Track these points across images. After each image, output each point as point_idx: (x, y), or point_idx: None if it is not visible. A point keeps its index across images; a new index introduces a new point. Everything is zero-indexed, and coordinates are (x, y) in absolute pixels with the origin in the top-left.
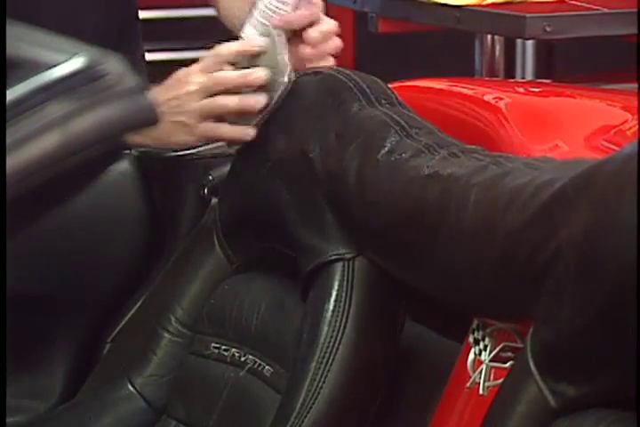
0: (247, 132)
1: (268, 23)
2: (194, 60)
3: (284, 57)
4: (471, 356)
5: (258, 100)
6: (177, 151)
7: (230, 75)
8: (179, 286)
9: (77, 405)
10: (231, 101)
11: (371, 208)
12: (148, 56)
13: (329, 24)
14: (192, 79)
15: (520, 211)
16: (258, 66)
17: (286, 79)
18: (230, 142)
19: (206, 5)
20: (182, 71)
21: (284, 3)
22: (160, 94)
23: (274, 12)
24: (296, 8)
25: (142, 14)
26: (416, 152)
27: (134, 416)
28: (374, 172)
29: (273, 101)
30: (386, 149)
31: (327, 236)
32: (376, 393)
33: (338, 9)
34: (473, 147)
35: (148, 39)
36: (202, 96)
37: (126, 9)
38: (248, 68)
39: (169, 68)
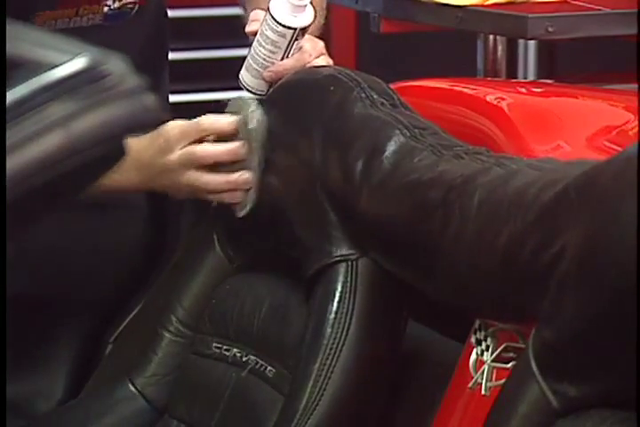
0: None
1: (260, 70)
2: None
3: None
4: (473, 356)
5: (243, 179)
6: None
7: (213, 150)
8: (179, 286)
9: (79, 405)
10: (213, 185)
11: (375, 209)
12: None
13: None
14: (173, 146)
15: (523, 212)
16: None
17: (260, 156)
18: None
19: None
20: (161, 134)
21: (273, 52)
22: (140, 156)
23: (264, 60)
24: (286, 56)
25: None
26: (421, 153)
27: (135, 416)
28: (378, 173)
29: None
30: (390, 149)
31: (330, 237)
32: (379, 394)
33: (340, 9)
34: (477, 148)
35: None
36: (183, 169)
37: (158, 51)
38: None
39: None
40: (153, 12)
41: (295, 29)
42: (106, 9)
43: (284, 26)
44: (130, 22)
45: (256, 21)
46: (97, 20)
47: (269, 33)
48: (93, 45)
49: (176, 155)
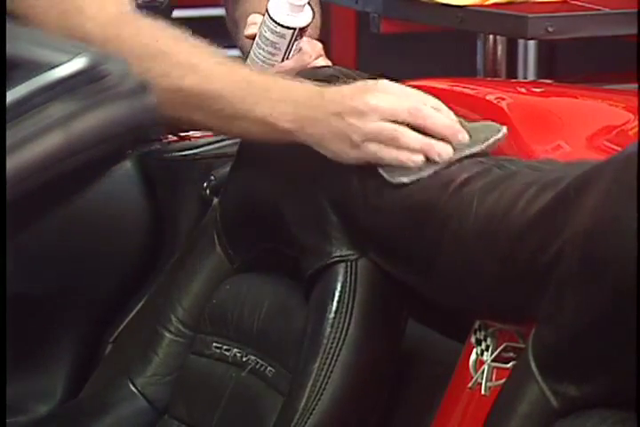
0: (414, 159)
1: None
2: None
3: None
4: (473, 356)
5: (443, 151)
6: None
7: (438, 117)
8: (180, 286)
9: (79, 405)
10: (415, 139)
11: (374, 211)
12: None
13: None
14: (388, 99)
15: (522, 213)
16: None
17: (477, 149)
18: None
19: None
20: (382, 85)
21: (273, 54)
22: (345, 98)
23: (264, 62)
24: (286, 58)
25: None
26: None
27: (136, 416)
28: (377, 174)
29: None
30: None
31: (330, 237)
32: (379, 394)
33: (340, 9)
34: None
35: None
36: (384, 119)
37: None
38: None
39: None
40: (170, 12)
41: (294, 29)
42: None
43: (283, 26)
44: (156, 17)
45: (254, 25)
46: None
47: (268, 34)
48: None
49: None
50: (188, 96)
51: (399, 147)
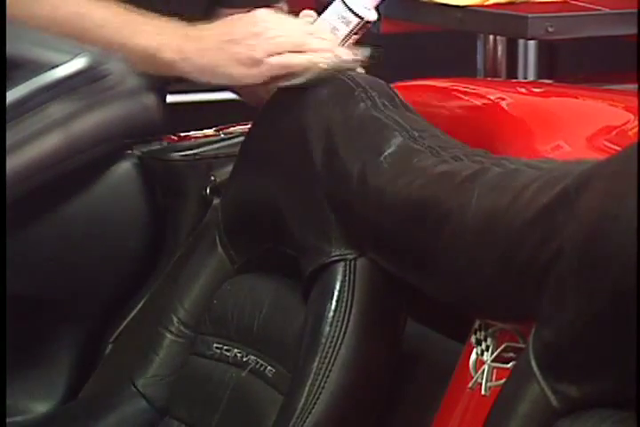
0: (326, 57)
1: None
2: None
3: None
4: (473, 356)
5: (345, 54)
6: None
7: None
8: (181, 287)
9: (79, 405)
10: (322, 41)
11: (372, 209)
12: None
13: None
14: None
15: (522, 211)
16: None
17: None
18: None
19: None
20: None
21: (346, 23)
22: (234, 27)
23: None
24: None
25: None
26: (419, 155)
27: (136, 417)
28: (376, 173)
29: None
30: (389, 151)
31: (329, 236)
32: (378, 393)
33: None
34: (476, 150)
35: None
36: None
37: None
38: None
39: None
40: None
41: (362, 19)
42: None
43: (353, 12)
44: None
45: (308, 17)
46: None
47: (333, 18)
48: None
49: None
50: (62, 26)
51: (306, 52)
